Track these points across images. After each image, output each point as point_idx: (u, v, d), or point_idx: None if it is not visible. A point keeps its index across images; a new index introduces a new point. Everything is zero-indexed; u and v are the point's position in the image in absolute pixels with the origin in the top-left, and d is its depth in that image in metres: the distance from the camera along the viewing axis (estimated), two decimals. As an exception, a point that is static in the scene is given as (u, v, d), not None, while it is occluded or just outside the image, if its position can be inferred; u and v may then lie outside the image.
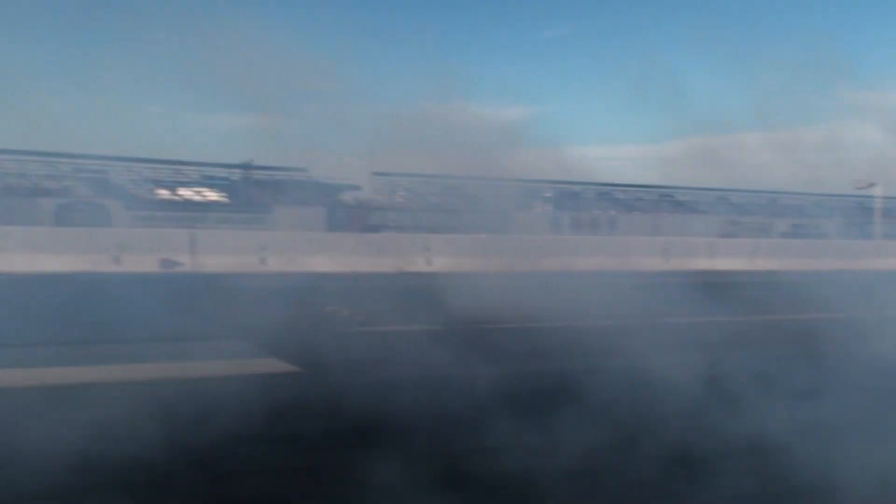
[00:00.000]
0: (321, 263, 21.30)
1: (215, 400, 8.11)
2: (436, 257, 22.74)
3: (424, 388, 8.99)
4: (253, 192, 35.30)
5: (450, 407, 8.27)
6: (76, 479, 6.18)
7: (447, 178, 39.69)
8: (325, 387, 9.23)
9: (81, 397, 8.32)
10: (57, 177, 33.11)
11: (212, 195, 35.01)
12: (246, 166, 36.32)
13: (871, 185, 37.33)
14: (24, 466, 6.35)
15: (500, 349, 11.72)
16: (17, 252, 18.80)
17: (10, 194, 30.59)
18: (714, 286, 20.47)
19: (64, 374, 9.39)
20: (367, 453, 6.98)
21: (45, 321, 10.80)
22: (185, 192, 34.71)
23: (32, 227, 22.95)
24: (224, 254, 20.69)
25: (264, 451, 7.03)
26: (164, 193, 34.29)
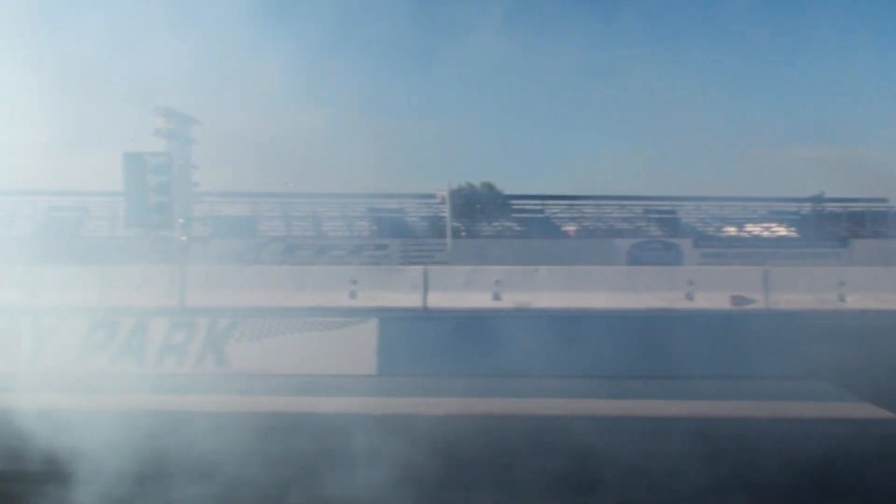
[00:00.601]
0: (910, 300, 19.21)
1: (817, 442, 7.65)
2: None
3: None
4: (825, 225, 33.41)
5: None
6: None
7: None
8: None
9: (685, 429, 8.46)
10: (630, 219, 34.84)
11: (781, 230, 33.86)
12: (817, 199, 34.55)
13: None
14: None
15: None
16: (598, 290, 19.98)
17: (589, 236, 32.94)
18: None
19: (658, 407, 9.66)
20: None
21: (630, 356, 11.24)
22: (753, 229, 34.07)
23: (609, 266, 24.32)
24: (798, 291, 19.71)
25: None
26: (731, 230, 34.08)
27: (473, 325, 13.05)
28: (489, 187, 40.54)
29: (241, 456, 7.43)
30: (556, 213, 35.30)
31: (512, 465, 7.37)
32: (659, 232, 33.32)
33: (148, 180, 15.06)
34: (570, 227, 34.80)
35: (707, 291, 19.91)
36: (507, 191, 38.48)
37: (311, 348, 12.20)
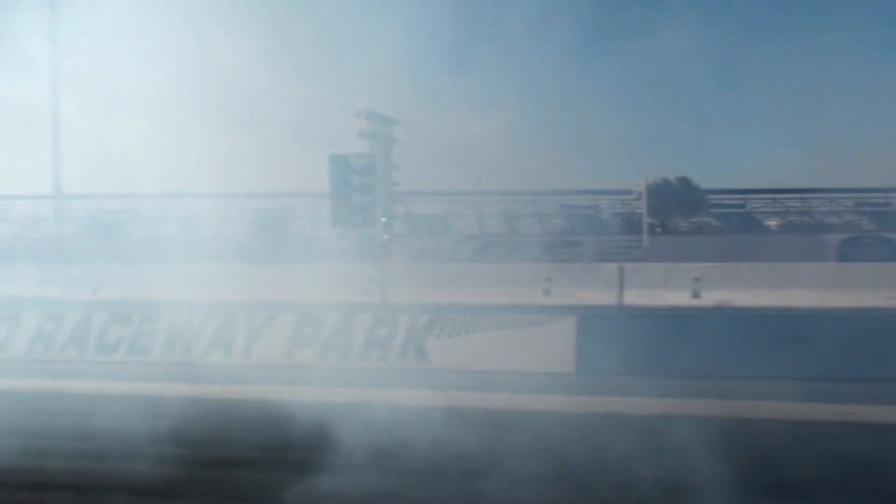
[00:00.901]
0: None
1: None
2: None
3: None
4: None
5: None
6: None
7: None
8: None
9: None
10: (839, 212, 32.90)
11: None
12: None
13: None
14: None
15: None
16: (803, 288, 19.04)
17: (794, 231, 31.38)
18: None
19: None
20: None
21: (849, 358, 10.63)
22: None
23: (818, 263, 23.11)
24: None
25: None
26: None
27: (674, 323, 12.70)
28: (685, 182, 39.34)
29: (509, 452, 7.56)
30: (757, 207, 33.89)
31: (730, 469, 7.09)
32: (872, 226, 31.23)
33: (352, 181, 15.62)
34: (773, 222, 33.27)
35: (931, 289, 18.53)
36: (704, 185, 37.25)
37: (508, 345, 12.27)
